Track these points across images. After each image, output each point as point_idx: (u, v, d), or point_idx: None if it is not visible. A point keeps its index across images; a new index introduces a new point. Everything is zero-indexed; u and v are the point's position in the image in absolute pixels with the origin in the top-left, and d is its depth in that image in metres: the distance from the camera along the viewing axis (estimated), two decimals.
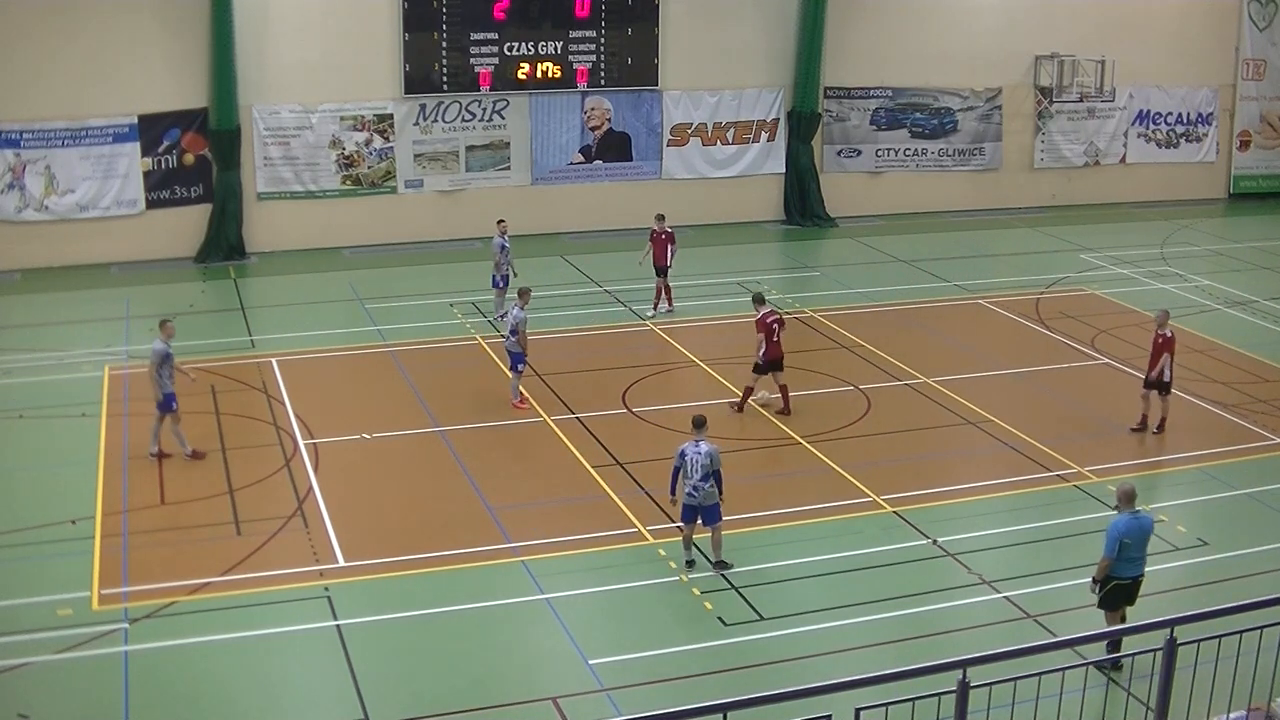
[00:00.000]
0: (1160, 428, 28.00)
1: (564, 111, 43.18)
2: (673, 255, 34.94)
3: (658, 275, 35.06)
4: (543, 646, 19.73)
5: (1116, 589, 18.68)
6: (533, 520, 23.35)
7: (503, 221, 34.81)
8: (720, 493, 21.53)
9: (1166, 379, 27.64)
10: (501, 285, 34.15)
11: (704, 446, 21.45)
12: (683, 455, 21.50)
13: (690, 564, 21.87)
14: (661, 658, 19.25)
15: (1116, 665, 18.13)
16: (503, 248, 34.15)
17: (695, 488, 21.34)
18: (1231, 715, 15.50)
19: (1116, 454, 27.12)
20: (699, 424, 21.97)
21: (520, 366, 28.76)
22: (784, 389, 28.37)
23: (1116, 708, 14.00)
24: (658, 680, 18.63)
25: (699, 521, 21.58)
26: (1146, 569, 18.89)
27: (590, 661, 19.05)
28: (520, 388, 28.87)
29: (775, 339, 28.02)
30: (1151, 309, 35.17)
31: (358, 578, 21.38)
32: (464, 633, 19.98)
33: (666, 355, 31.82)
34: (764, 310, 28.44)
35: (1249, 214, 50.73)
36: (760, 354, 28.01)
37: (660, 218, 35.33)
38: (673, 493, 21.79)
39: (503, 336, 29.89)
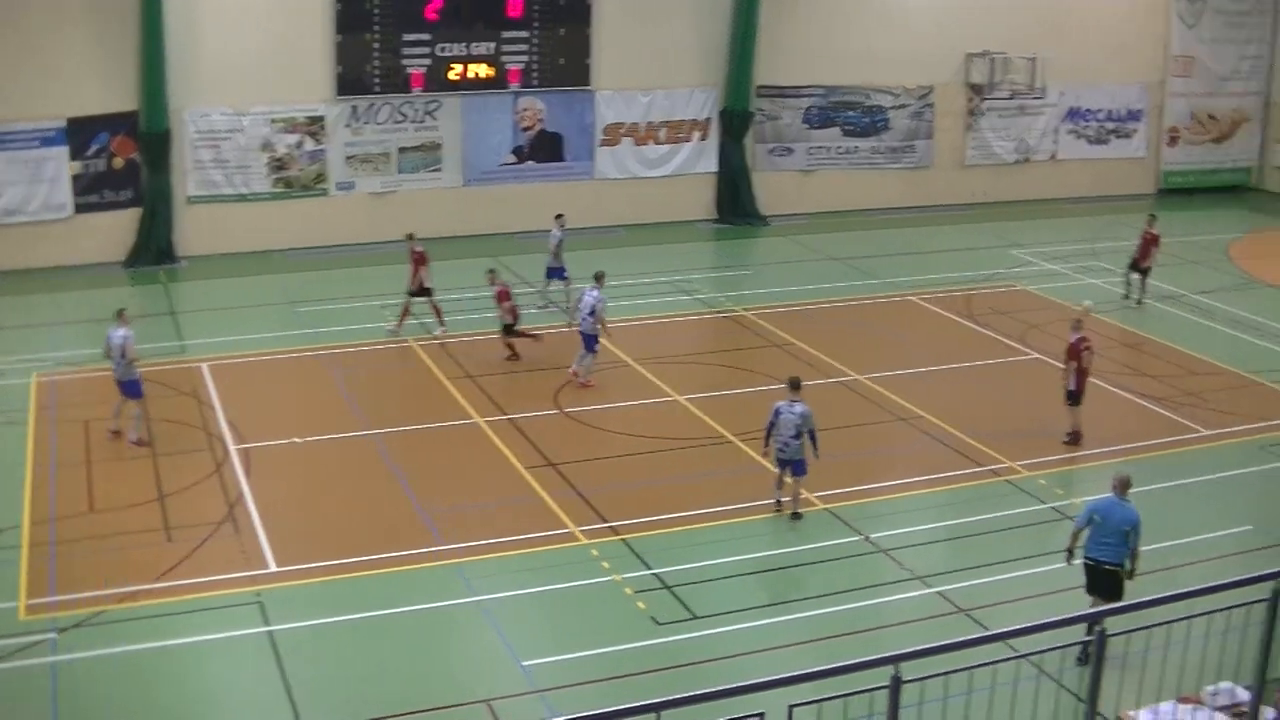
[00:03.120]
0: (1071, 438, 27.71)
1: (496, 112, 43.05)
2: (426, 276, 33.24)
3: (417, 296, 33.38)
4: (476, 649, 19.71)
5: (1086, 568, 19.48)
6: (465, 522, 23.30)
7: (561, 216, 35.78)
8: (815, 449, 23.49)
9: (1072, 388, 27.43)
10: (564, 276, 35.11)
11: (798, 407, 23.29)
12: (777, 413, 23.42)
13: (778, 504, 24.02)
14: (595, 658, 19.25)
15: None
16: (560, 240, 34.99)
17: (786, 444, 23.35)
18: (1162, 705, 15.66)
19: (1047, 449, 27.29)
20: (795, 385, 23.66)
21: (596, 347, 29.83)
22: None
23: (1048, 699, 14.07)
24: (591, 680, 18.62)
25: (789, 473, 23.73)
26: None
27: (524, 663, 19.03)
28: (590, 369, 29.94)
29: None
30: (1082, 303, 35.56)
31: (289, 583, 21.27)
32: (396, 636, 19.89)
33: (599, 355, 31.76)
34: None
35: (1178, 209, 51.06)
36: None
37: (410, 236, 33.87)
38: (766, 445, 23.76)
39: (579, 320, 30.37)
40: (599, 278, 30.58)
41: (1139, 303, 37.25)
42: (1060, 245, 43.87)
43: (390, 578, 21.43)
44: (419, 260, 33.07)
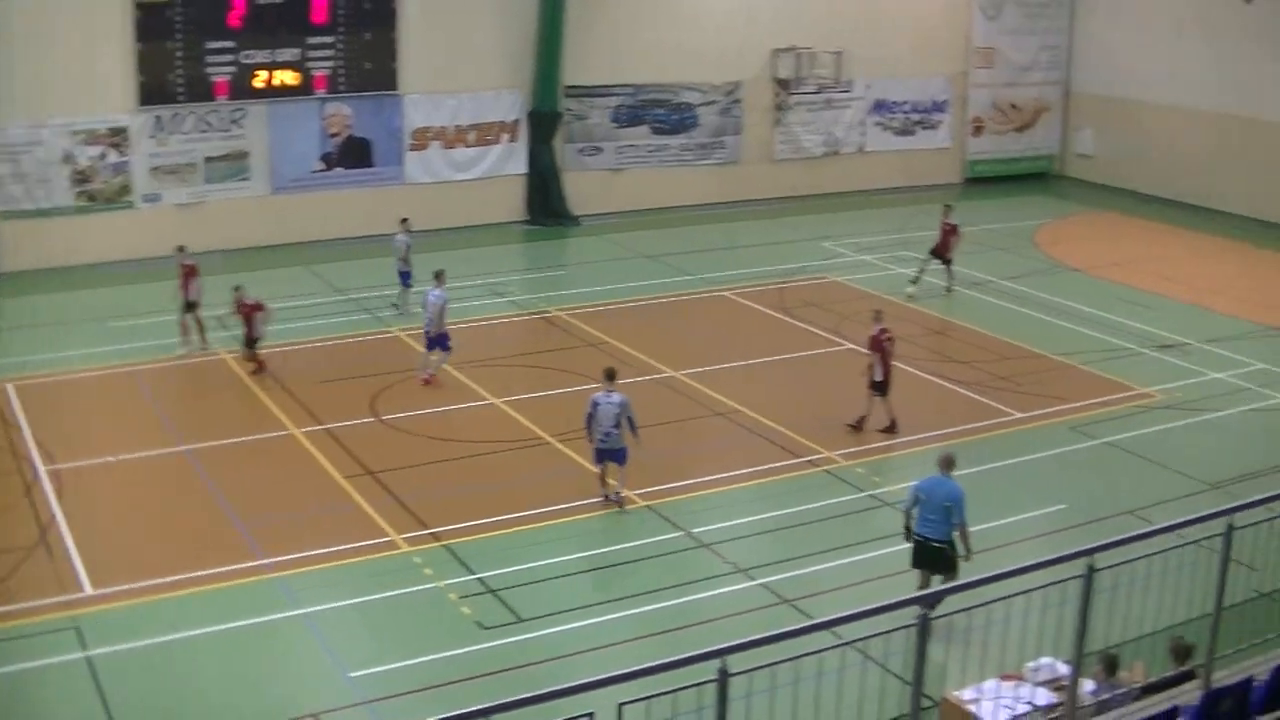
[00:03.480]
0: (891, 427, 28.01)
1: (303, 119, 42.46)
2: (194, 289, 32.24)
3: (188, 311, 32.42)
4: (300, 663, 19.48)
5: (914, 544, 20.14)
6: (285, 535, 22.97)
7: (406, 219, 35.65)
8: (636, 435, 23.90)
9: (878, 379, 27.74)
10: (408, 283, 34.89)
11: (615, 396, 23.73)
12: (595, 404, 23.74)
13: (605, 499, 24.26)
14: (422, 665, 19.12)
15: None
16: (407, 245, 34.85)
17: (607, 434, 23.69)
18: (985, 684, 15.93)
19: (863, 438, 27.65)
20: (610, 375, 24.14)
21: (449, 345, 30.04)
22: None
23: (874, 684, 14.21)
24: (419, 689, 18.48)
25: (612, 464, 24.09)
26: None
27: (350, 674, 18.85)
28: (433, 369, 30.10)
29: None
30: (894, 292, 36.13)
31: (108, 605, 20.78)
32: (219, 654, 19.57)
33: (413, 361, 31.55)
34: None
35: (984, 197, 52.02)
36: None
37: (180, 249, 32.89)
38: (589, 437, 24.11)
39: (424, 322, 30.43)
40: (439, 276, 30.51)
41: (948, 290, 37.87)
42: (870, 236, 44.42)
43: (211, 595, 21.06)
44: (189, 273, 32.33)
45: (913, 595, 11.50)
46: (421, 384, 30.07)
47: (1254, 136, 48.60)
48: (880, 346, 27.56)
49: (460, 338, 31.22)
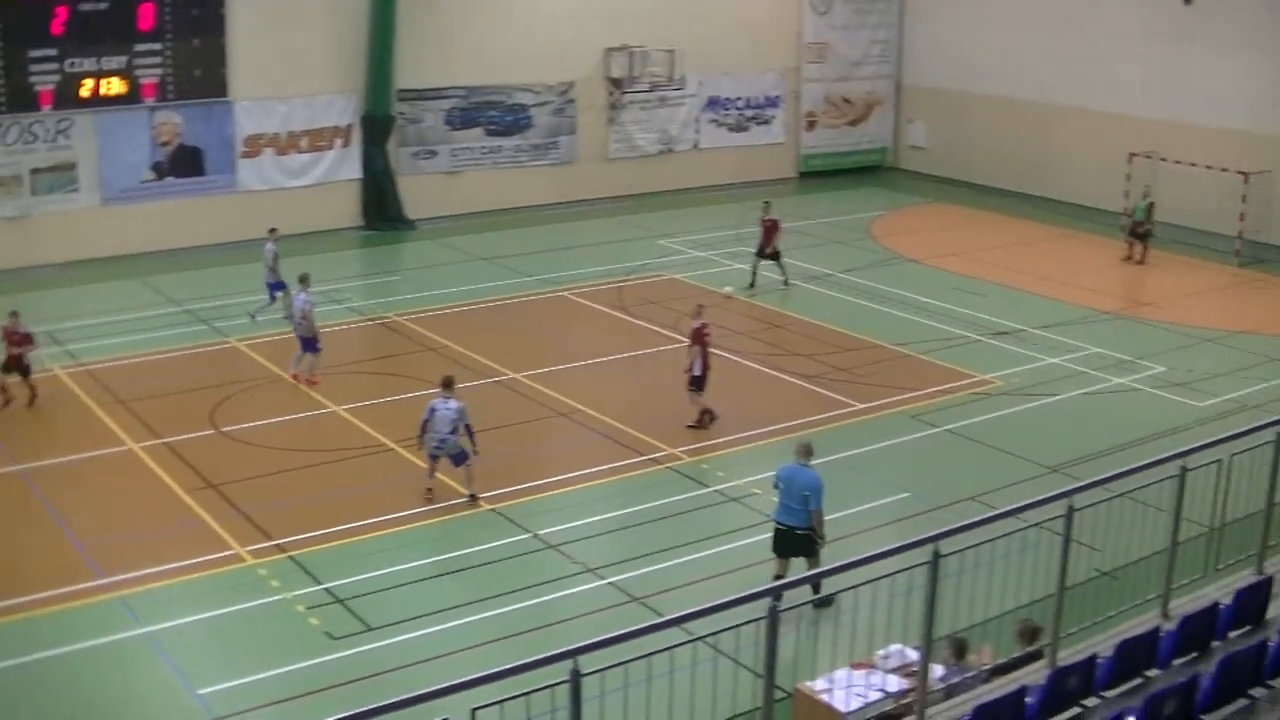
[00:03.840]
0: (699, 422, 28.07)
1: (132, 128, 41.64)
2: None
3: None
4: (147, 682, 19.12)
5: (775, 532, 20.67)
6: (126, 553, 22.50)
7: (274, 229, 35.04)
8: (473, 444, 24.22)
9: (696, 373, 27.81)
10: (275, 294, 34.40)
11: (453, 403, 24.02)
12: (433, 410, 24.02)
13: (429, 491, 24.50)
14: (272, 679, 18.87)
15: (826, 603, 19.29)
16: (275, 254, 34.18)
17: (443, 439, 24.03)
18: (836, 673, 16.04)
19: (706, 433, 27.73)
20: (448, 384, 24.43)
21: (318, 346, 30.17)
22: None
23: (727, 679, 14.26)
24: (269, 703, 18.26)
25: (450, 464, 24.48)
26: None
27: (198, 691, 18.56)
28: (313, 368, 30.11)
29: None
30: (724, 289, 36.32)
31: None
32: (63, 678, 19.11)
33: (252, 371, 31.20)
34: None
35: (818, 191, 52.59)
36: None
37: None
38: (420, 441, 24.44)
39: (293, 325, 30.55)
40: (304, 280, 30.56)
41: (786, 284, 38.13)
42: (707, 233, 44.63)
43: (52, 617, 20.57)
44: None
45: (761, 588, 11.53)
46: (307, 384, 30.14)
47: (1077, 125, 49.51)
48: (701, 340, 27.66)
49: (296, 347, 30.89)
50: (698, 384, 27.86)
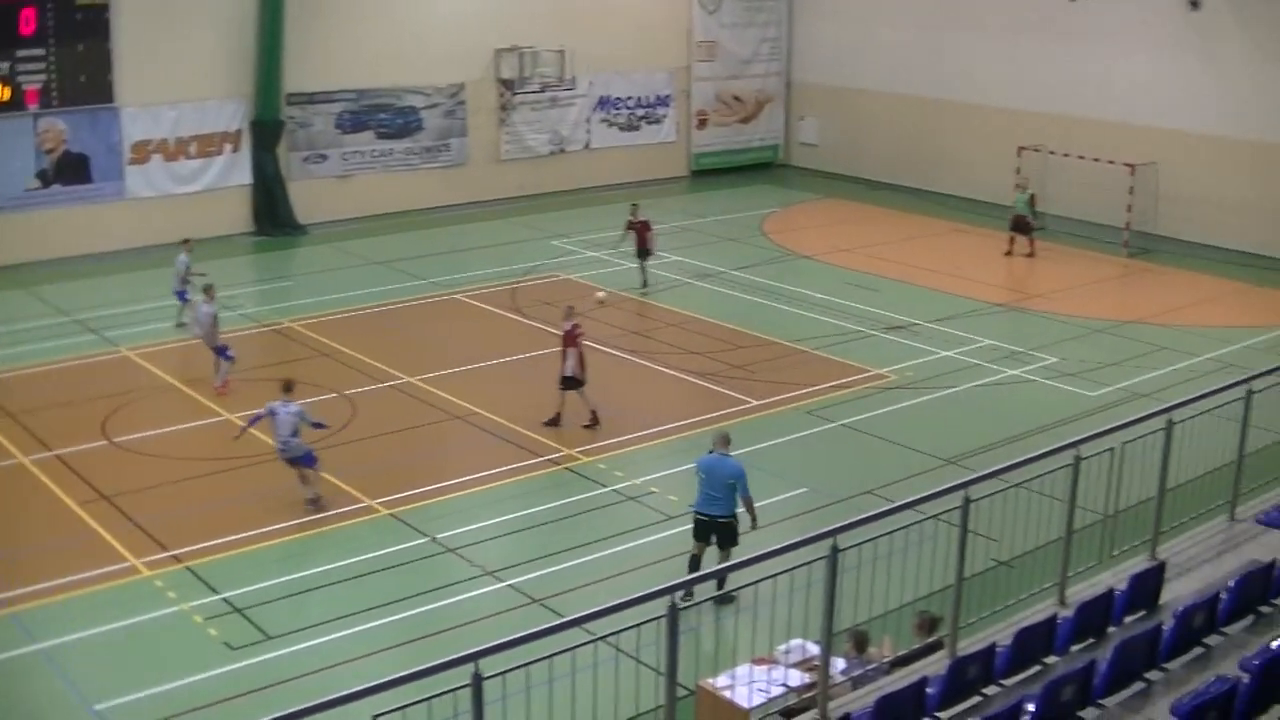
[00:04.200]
0: (593, 421, 28.01)
1: (15, 136, 40.91)
2: None
3: None
4: (43, 699, 18.80)
5: (696, 522, 20.85)
6: (18, 568, 22.13)
7: (188, 240, 34.82)
8: (317, 429, 24.50)
9: (569, 374, 27.69)
10: (185, 300, 33.83)
11: (293, 406, 24.02)
12: (273, 412, 23.98)
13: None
14: (171, 692, 18.62)
15: (727, 599, 19.33)
16: (187, 265, 33.87)
17: (285, 442, 23.91)
18: (738, 669, 16.08)
19: (603, 433, 27.74)
20: (288, 388, 24.55)
21: (230, 354, 29.83)
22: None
23: (629, 678, 14.24)
24: (169, 716, 18.00)
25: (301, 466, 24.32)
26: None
27: (94, 707, 18.29)
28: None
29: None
30: (627, 287, 36.39)
31: None
32: None
33: (143, 380, 30.86)
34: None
35: (710, 189, 52.81)
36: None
37: None
38: (242, 430, 24.97)
39: (200, 337, 30.26)
40: (208, 290, 30.41)
41: (644, 285, 38.19)
42: (600, 233, 44.57)
43: None
44: None
45: (661, 586, 11.52)
46: (216, 391, 29.91)
47: (967, 120, 49.97)
48: (574, 342, 27.62)
49: (190, 354, 30.65)
50: (569, 384, 27.75)
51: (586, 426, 27.90)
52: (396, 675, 10.04)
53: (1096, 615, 14.28)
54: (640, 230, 38.29)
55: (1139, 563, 16.04)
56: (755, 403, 29.39)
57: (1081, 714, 12.50)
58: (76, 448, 27.11)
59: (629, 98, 53.36)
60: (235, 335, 32.98)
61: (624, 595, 11.41)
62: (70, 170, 41.96)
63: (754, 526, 20.45)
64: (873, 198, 51.05)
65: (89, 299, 36.89)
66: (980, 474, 14.29)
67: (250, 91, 44.48)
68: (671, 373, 31.33)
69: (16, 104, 40.63)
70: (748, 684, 15.56)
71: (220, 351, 30.21)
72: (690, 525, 21.01)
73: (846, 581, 13.11)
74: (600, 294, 34.26)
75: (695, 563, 20.64)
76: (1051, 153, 46.22)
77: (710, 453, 20.93)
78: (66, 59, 41.17)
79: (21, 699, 18.88)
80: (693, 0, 53.94)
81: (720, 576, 17.59)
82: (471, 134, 49.46)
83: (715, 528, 20.64)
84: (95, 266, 39.68)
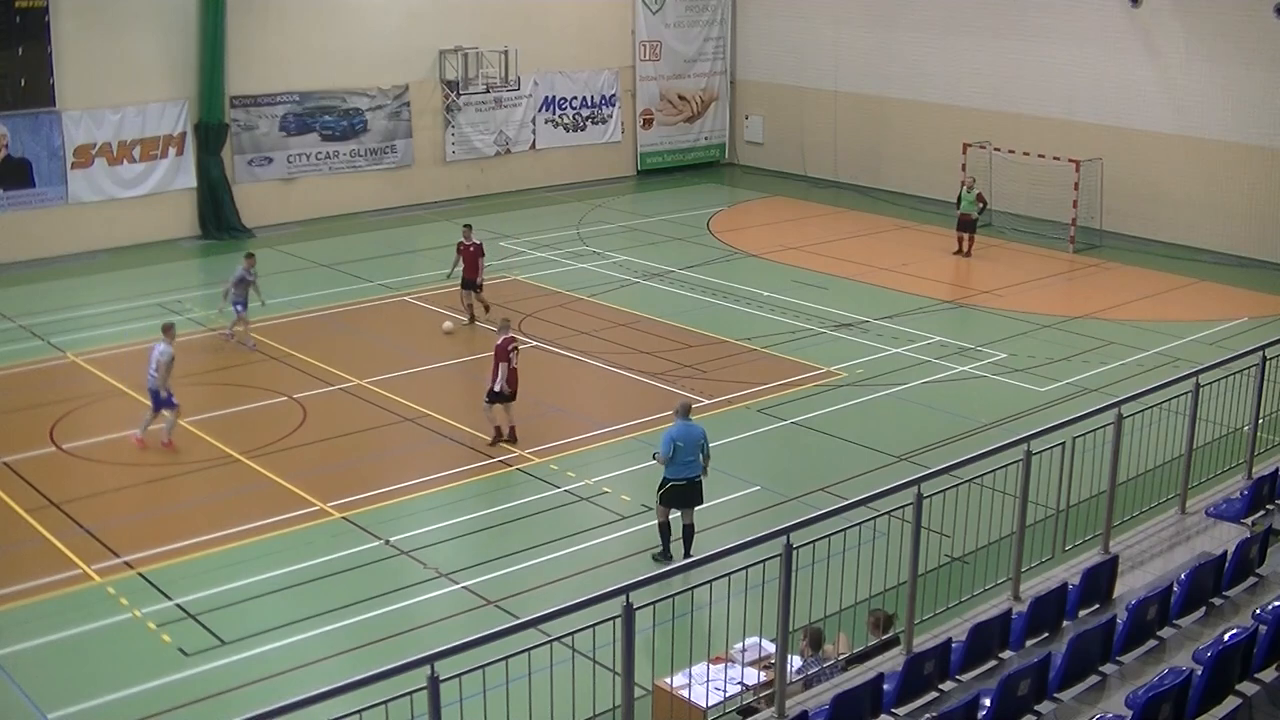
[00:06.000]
0: (511, 436, 27.25)
1: None
2: None
3: None
4: None
5: (674, 489, 21.95)
6: None
7: (252, 255, 34.37)
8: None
9: (497, 388, 26.83)
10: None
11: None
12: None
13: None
14: (124, 699, 18.52)
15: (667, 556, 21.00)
16: (250, 276, 33.44)
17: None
18: (694, 668, 16.12)
19: (554, 434, 27.74)
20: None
21: (174, 402, 27.18)
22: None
23: (585, 678, 14.27)
24: None
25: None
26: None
27: (48, 716, 18.16)
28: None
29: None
30: (575, 288, 36.37)
31: None
32: None
33: (91, 385, 30.67)
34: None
35: (657, 188, 52.86)
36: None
37: None
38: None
39: (148, 379, 27.30)
40: (167, 330, 28.10)
41: (487, 310, 35.04)
42: (547, 233, 44.61)
43: None
44: None
45: (616, 586, 11.54)
46: (135, 443, 27.34)
47: (911, 118, 50.21)
48: (506, 355, 26.97)
49: (138, 360, 30.46)
50: (495, 398, 27.08)
51: (496, 441, 27.24)
52: (353, 679, 10.04)
53: (1050, 609, 14.38)
54: (470, 256, 35.10)
55: (1092, 557, 16.15)
56: (705, 401, 29.39)
57: (1037, 708, 12.57)
58: (24, 454, 26.89)
59: (574, 98, 53.38)
60: (182, 340, 32.77)
61: (579, 596, 11.43)
62: (12, 175, 41.51)
63: (705, 474, 22.28)
64: (819, 195, 51.26)
65: (35, 304, 36.61)
66: (932, 470, 14.37)
67: (193, 94, 44.22)
68: (621, 373, 31.35)
69: None
70: (704, 683, 15.59)
71: (164, 401, 27.30)
72: (650, 518, 21.18)
73: (801, 579, 13.16)
74: (447, 324, 33.81)
75: (666, 529, 21.96)
76: (996, 149, 46.47)
77: (675, 424, 22.06)
78: (5, 62, 40.71)
79: None
80: (636, 0, 53.99)
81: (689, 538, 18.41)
82: (417, 135, 49.34)
83: (693, 490, 21.92)
84: (40, 272, 39.41)
